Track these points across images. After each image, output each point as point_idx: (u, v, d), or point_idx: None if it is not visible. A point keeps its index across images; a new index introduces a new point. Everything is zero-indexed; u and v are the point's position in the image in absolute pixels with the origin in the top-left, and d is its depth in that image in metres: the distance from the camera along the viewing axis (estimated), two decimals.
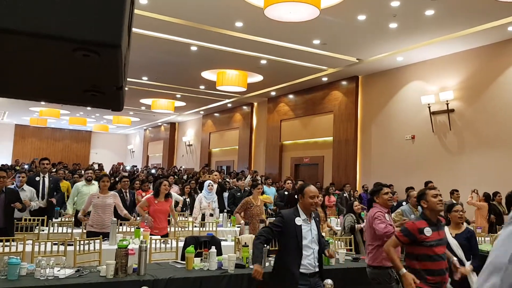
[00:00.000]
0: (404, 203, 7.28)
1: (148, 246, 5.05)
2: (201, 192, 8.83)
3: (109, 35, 0.75)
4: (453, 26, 9.31)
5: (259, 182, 8.58)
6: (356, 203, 7.13)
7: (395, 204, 7.98)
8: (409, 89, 11.93)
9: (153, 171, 18.85)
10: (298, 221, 3.85)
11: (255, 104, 18.79)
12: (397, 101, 12.25)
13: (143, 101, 19.15)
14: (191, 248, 4.49)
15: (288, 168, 16.29)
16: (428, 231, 3.63)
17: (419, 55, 11.13)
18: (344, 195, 11.54)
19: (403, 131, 11.87)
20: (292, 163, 16.18)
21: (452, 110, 10.61)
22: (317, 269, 3.89)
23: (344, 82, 13.91)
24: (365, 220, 4.74)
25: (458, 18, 8.86)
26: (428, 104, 11.01)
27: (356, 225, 6.62)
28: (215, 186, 10.22)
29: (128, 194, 8.39)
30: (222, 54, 11.74)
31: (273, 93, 16.67)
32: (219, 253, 5.05)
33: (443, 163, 10.66)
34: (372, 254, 4.35)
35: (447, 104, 10.62)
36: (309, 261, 3.82)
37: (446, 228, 4.42)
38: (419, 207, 4.05)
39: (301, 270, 3.78)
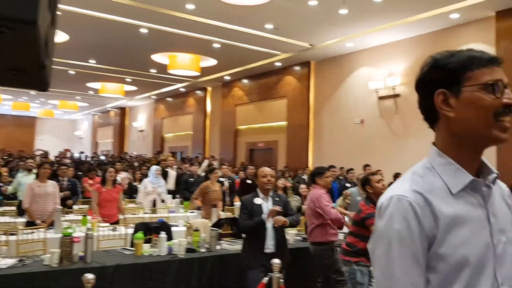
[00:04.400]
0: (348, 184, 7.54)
1: (96, 233, 4.94)
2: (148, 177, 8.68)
3: (23, 11, 0.73)
4: (400, 13, 9.58)
5: (216, 167, 8.61)
6: (302, 185, 7.37)
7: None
8: (358, 75, 12.22)
9: (102, 157, 18.36)
10: (258, 200, 4.07)
11: (209, 88, 18.63)
12: (347, 86, 12.53)
13: (90, 85, 18.50)
14: (140, 234, 4.44)
15: (243, 153, 16.35)
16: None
17: (369, 41, 11.40)
18: (303, 177, 11.68)
19: (353, 116, 12.18)
20: (247, 148, 16.24)
21: (398, 95, 10.99)
22: (275, 250, 3.99)
23: (297, 68, 14.05)
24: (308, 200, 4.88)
25: (405, 5, 9.11)
26: (376, 89, 11.35)
27: (302, 206, 6.84)
28: (173, 171, 10.15)
29: (66, 183, 7.90)
30: (173, 37, 11.51)
31: (227, 78, 16.58)
32: (170, 238, 5.02)
33: (390, 147, 11.05)
34: (315, 232, 4.54)
35: (394, 89, 10.99)
36: (270, 241, 3.99)
37: None
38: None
39: (265, 251, 3.96)
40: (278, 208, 3.95)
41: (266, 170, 4.19)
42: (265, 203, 4.09)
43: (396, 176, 9.01)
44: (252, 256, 3.98)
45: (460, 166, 1.05)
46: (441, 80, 1.07)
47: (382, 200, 1.06)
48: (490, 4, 8.79)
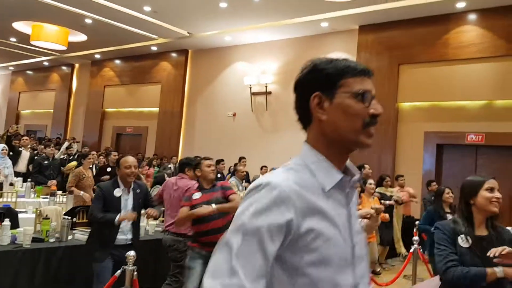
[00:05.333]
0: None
1: None
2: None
3: None
4: (277, 15, 9.98)
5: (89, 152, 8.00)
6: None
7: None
8: (234, 69, 12.44)
9: None
10: (117, 192, 3.78)
11: (77, 65, 17.26)
12: (223, 79, 12.67)
13: None
14: None
15: (109, 137, 15.50)
16: (196, 195, 3.85)
17: (246, 37, 11.66)
18: (169, 165, 11.46)
19: (226, 108, 12.37)
20: (114, 132, 15.43)
21: (270, 93, 11.47)
22: (130, 242, 3.80)
23: (174, 54, 13.76)
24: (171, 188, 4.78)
25: (281, 9, 9.52)
26: (250, 85, 11.68)
27: None
28: (26, 152, 9.10)
29: None
30: (39, 5, 10.38)
31: (97, 56, 15.53)
32: (16, 226, 4.51)
33: (260, 140, 11.50)
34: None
35: (266, 86, 11.44)
36: (123, 235, 3.75)
37: None
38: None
39: (116, 243, 3.70)
40: (134, 215, 3.75)
41: (130, 160, 3.85)
42: (125, 196, 3.82)
43: (262, 168, 9.44)
44: (100, 249, 3.70)
45: (331, 164, 1.10)
46: (318, 84, 1.11)
47: (258, 183, 1.05)
48: (355, 18, 9.65)
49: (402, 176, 8.25)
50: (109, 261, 3.65)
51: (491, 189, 2.33)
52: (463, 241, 2.28)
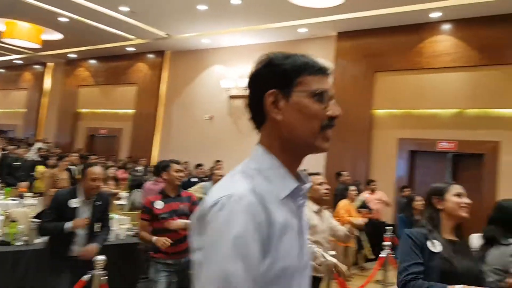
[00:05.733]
0: (194, 179, 7.56)
1: None
2: None
3: None
4: (255, 20, 9.99)
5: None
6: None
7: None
8: (212, 72, 12.38)
9: None
10: (74, 203, 3.44)
11: (50, 64, 16.87)
12: (200, 81, 12.60)
13: None
14: None
15: (83, 138, 15.19)
16: (158, 204, 3.55)
17: (225, 40, 11.63)
18: (137, 168, 11.28)
19: (203, 111, 12.29)
20: (87, 134, 15.12)
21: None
22: None
23: (150, 55, 13.60)
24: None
25: (260, 13, 9.53)
26: (227, 88, 11.65)
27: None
28: None
29: None
30: (13, 2, 10.11)
31: (72, 56, 15.22)
32: None
33: (237, 144, 11.44)
34: None
35: (244, 90, 11.39)
36: (78, 245, 3.43)
37: None
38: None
39: (70, 254, 3.41)
40: (86, 220, 3.40)
41: (97, 171, 3.50)
42: (83, 208, 3.46)
43: None
44: (55, 259, 3.40)
45: (287, 171, 1.02)
46: (273, 80, 1.03)
47: (218, 197, 0.94)
48: (333, 25, 9.75)
49: (374, 181, 8.38)
50: (67, 274, 3.33)
51: (459, 195, 2.32)
52: (433, 246, 2.24)
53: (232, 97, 11.72)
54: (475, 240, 2.64)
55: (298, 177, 1.07)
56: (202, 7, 9.44)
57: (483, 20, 8.35)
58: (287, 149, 1.04)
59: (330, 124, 1.03)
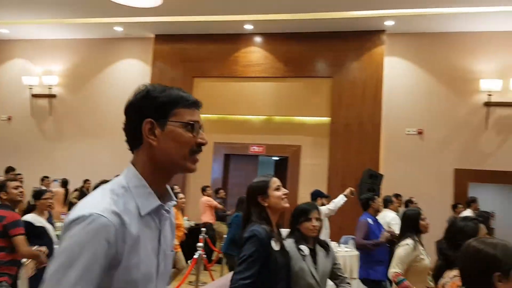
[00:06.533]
0: None
1: None
2: None
3: None
4: (65, 12, 9.07)
5: None
6: None
7: None
8: (12, 66, 10.88)
9: None
10: None
11: None
12: None
13: None
14: None
15: None
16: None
17: (27, 32, 10.33)
18: None
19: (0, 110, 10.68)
20: None
21: (55, 96, 10.38)
22: None
23: None
24: None
25: (70, 5, 8.71)
26: (30, 86, 10.37)
27: None
28: None
29: None
30: None
31: None
32: None
33: (41, 148, 10.24)
34: None
35: (50, 88, 10.31)
36: None
37: None
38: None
39: None
40: None
41: None
42: None
43: (43, 179, 8.51)
44: None
45: (152, 190, 1.16)
46: (151, 110, 1.16)
47: (79, 214, 1.04)
48: (151, 26, 9.54)
49: (209, 186, 8.55)
50: None
51: (278, 188, 2.41)
52: (276, 244, 2.29)
53: (35, 96, 10.46)
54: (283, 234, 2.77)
55: (165, 194, 1.22)
56: None
57: (288, 36, 9.22)
58: (158, 170, 1.18)
59: (199, 150, 1.20)
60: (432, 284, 2.77)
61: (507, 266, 1.55)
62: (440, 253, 2.47)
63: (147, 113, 1.15)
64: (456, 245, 2.28)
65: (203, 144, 1.20)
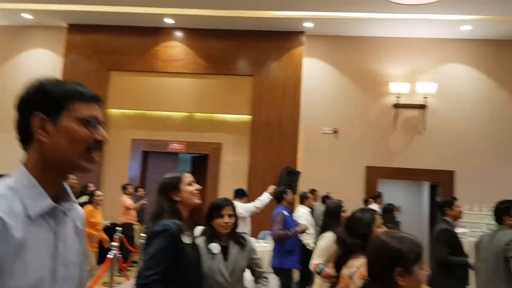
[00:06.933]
0: None
1: None
2: None
3: None
4: None
5: None
6: None
7: None
8: None
9: None
10: None
11: None
12: None
13: None
14: None
15: None
16: None
17: None
18: None
19: None
20: None
21: None
22: None
23: None
24: None
25: None
26: None
27: None
28: None
29: None
30: None
31: None
32: None
33: None
34: None
35: None
36: None
37: None
38: None
39: None
40: None
41: None
42: None
43: None
44: None
45: (43, 190, 1.08)
46: (42, 105, 1.09)
47: None
48: (63, 15, 8.98)
49: (130, 184, 8.27)
50: None
51: (190, 183, 2.39)
52: (188, 238, 2.28)
53: None
54: (198, 231, 2.74)
55: (62, 194, 1.14)
56: None
57: (210, 32, 9.15)
58: (51, 169, 1.10)
59: (96, 147, 1.12)
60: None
61: (410, 262, 1.56)
62: (340, 241, 2.59)
63: (38, 108, 1.08)
64: (355, 234, 2.43)
65: (101, 141, 1.13)
